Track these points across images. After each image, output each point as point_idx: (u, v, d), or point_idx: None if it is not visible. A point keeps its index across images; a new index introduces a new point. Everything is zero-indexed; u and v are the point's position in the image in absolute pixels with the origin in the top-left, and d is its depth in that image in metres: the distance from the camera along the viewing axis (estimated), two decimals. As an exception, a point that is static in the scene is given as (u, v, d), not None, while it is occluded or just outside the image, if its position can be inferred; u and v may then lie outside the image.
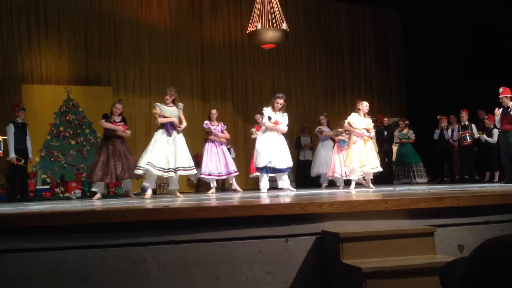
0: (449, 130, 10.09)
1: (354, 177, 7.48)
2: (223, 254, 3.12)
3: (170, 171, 6.25)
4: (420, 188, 6.30)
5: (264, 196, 5.94)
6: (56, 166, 9.31)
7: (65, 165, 9.29)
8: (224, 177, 8.41)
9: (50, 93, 9.83)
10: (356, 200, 3.55)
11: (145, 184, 6.47)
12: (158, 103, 6.58)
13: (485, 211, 3.56)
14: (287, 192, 6.55)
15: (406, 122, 10.87)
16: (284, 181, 6.97)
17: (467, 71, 10.51)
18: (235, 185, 8.26)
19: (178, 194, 6.63)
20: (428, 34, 11.82)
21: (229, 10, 12.13)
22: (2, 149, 5.59)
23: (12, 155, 7.58)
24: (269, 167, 6.80)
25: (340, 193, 5.99)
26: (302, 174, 10.52)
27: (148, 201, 5.38)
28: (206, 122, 8.26)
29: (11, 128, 7.72)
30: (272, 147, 6.79)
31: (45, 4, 10.28)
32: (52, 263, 2.87)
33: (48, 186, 8.91)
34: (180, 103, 6.66)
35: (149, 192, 6.39)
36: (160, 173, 6.21)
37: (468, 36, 10.54)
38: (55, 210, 3.59)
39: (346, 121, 7.56)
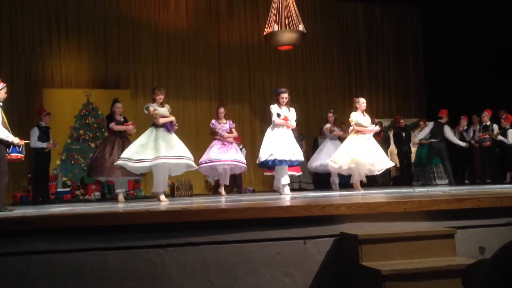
0: (470, 131, 9.93)
1: (357, 178, 7.19)
2: (241, 256, 3.13)
3: (156, 159, 5.79)
4: (440, 190, 6.22)
5: (284, 196, 5.92)
6: (76, 169, 9.45)
7: (85, 168, 9.42)
8: (227, 163, 7.87)
9: (70, 97, 9.99)
10: (375, 201, 3.53)
11: (159, 190, 6.06)
12: (151, 104, 6.21)
13: (507, 212, 3.51)
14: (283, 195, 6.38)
15: (426, 122, 10.72)
16: (280, 179, 6.66)
17: (490, 70, 10.32)
18: (222, 189, 7.94)
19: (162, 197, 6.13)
20: (448, 32, 11.60)
21: (246, 12, 12.16)
22: (23, 153, 5.61)
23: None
24: (271, 160, 6.46)
25: (358, 194, 5.95)
26: (321, 175, 10.43)
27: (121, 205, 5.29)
28: (213, 121, 8.06)
29: (35, 132, 7.87)
30: (276, 141, 6.54)
31: (65, 9, 10.44)
32: (73, 264, 2.92)
33: (68, 189, 9.05)
34: (166, 104, 6.37)
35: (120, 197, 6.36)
36: (139, 164, 5.81)
37: (490, 33, 10.32)
38: (76, 212, 3.64)
39: (352, 122, 7.26)
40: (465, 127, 10.04)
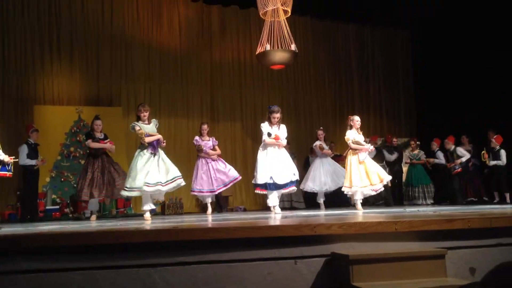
0: (440, 153, 10.20)
1: (359, 197, 7.04)
2: (232, 275, 3.10)
3: (164, 184, 5.92)
4: (431, 210, 6.24)
5: (274, 216, 5.90)
6: (66, 186, 9.38)
7: (75, 185, 9.33)
8: (216, 192, 7.95)
9: (61, 114, 9.95)
10: (366, 221, 3.53)
11: (145, 208, 6.03)
12: (137, 123, 6.18)
13: (497, 233, 3.52)
14: (274, 214, 6.33)
15: (417, 142, 10.81)
16: (273, 199, 6.60)
17: (477, 91, 10.50)
18: (209, 210, 7.93)
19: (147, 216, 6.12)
20: (437, 55, 11.86)
21: (239, 31, 12.27)
22: (12, 171, 5.58)
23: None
24: (270, 183, 6.44)
25: (349, 214, 5.94)
26: (312, 194, 10.43)
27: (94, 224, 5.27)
28: (196, 138, 8.03)
29: (24, 149, 7.81)
30: (273, 162, 6.51)
31: (58, 27, 10.47)
32: (62, 283, 2.88)
33: (58, 206, 8.95)
34: (153, 119, 6.37)
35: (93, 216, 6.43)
36: (157, 188, 5.86)
37: (477, 56, 10.54)
38: (65, 231, 3.60)
39: (349, 141, 7.08)
40: (436, 150, 10.17)
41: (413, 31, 13.24)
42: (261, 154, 6.66)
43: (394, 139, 10.99)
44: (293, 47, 9.17)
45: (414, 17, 11.69)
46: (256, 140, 12.01)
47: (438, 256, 3.18)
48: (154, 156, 6.01)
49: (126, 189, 5.98)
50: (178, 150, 10.51)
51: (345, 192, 7.25)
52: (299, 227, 3.29)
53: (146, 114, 6.21)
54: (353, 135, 7.10)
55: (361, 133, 7.29)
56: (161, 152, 6.15)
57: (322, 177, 8.72)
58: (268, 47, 9.12)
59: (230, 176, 7.90)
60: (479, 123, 9.98)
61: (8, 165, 5.45)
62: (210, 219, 5.96)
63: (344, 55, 13.30)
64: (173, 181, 5.99)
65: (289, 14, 9.36)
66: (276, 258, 3.18)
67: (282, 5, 9.04)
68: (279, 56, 9.14)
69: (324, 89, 12.99)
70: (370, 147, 7.24)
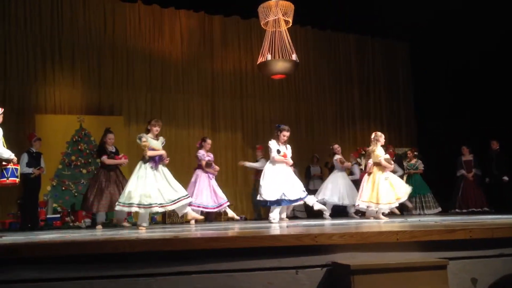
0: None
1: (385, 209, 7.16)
2: (232, 285, 3.08)
3: (165, 205, 5.92)
4: (432, 220, 6.21)
5: (274, 226, 5.89)
6: (67, 195, 9.37)
7: (75, 194, 9.34)
8: (215, 210, 7.96)
9: (63, 123, 9.97)
10: (367, 231, 3.51)
11: (142, 224, 5.98)
12: (144, 135, 6.15)
13: (499, 243, 3.51)
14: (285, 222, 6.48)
15: (415, 152, 10.79)
16: (274, 213, 6.78)
17: (477, 101, 10.53)
18: (231, 213, 7.91)
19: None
20: (436, 65, 11.91)
21: (240, 41, 12.33)
22: (18, 177, 5.56)
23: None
24: (284, 200, 6.65)
25: (350, 224, 5.92)
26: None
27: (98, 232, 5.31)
28: (203, 152, 7.95)
29: (24, 158, 7.82)
30: (283, 179, 6.70)
31: (60, 36, 10.52)
32: (60, 293, 2.86)
33: (58, 215, 8.94)
34: (161, 137, 6.35)
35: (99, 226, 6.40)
36: (156, 209, 5.87)
37: (477, 65, 10.58)
38: (65, 240, 3.59)
39: (380, 157, 7.12)
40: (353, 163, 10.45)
41: (413, 42, 13.31)
42: (270, 170, 6.77)
43: (391, 150, 10.93)
44: (294, 57, 9.21)
45: (413, 27, 11.75)
46: (256, 149, 12.03)
47: (440, 266, 3.16)
48: (154, 171, 5.95)
49: (120, 204, 5.91)
50: (179, 160, 10.50)
51: (362, 207, 7.27)
52: (300, 236, 3.27)
53: (158, 129, 6.22)
54: (383, 152, 7.21)
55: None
56: (165, 170, 6.09)
57: (341, 190, 8.95)
58: (269, 57, 9.16)
59: (220, 201, 7.87)
60: (480, 132, 9.98)
61: (16, 170, 5.43)
62: (213, 228, 5.93)
63: (345, 65, 13.34)
64: (178, 201, 5.95)
65: (290, 24, 9.42)
66: (277, 268, 3.17)
67: (283, 15, 9.10)
68: (280, 66, 9.18)
69: (324, 99, 13.02)
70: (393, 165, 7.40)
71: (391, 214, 7.76)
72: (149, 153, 5.97)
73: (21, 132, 9.54)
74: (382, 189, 6.99)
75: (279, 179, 6.68)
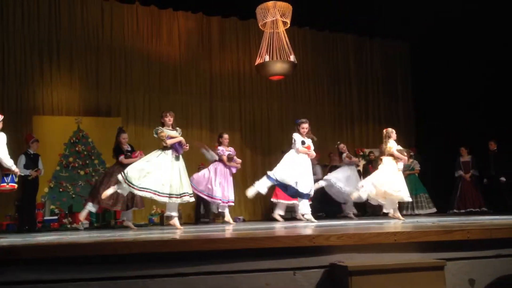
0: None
1: (395, 206, 7.07)
2: (230, 286, 3.08)
3: (173, 197, 5.82)
4: (430, 221, 6.22)
5: (276, 225, 5.89)
6: (64, 197, 9.35)
7: (73, 196, 9.32)
8: (230, 204, 7.89)
9: (60, 124, 9.95)
10: (365, 232, 3.52)
11: (173, 214, 6.03)
12: (160, 127, 6.14)
13: (496, 244, 3.51)
14: (307, 223, 6.50)
15: (411, 153, 10.79)
16: (304, 207, 6.86)
17: (476, 101, 10.54)
18: (228, 217, 7.85)
19: (177, 224, 6.13)
20: (435, 65, 11.92)
21: (238, 42, 12.33)
22: (17, 183, 5.64)
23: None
24: (293, 188, 6.68)
25: (348, 225, 5.92)
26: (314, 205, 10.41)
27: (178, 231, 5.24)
28: (222, 148, 7.91)
29: (21, 159, 7.81)
30: (301, 170, 6.76)
31: (58, 37, 10.51)
32: (58, 295, 2.86)
33: (56, 217, 8.92)
34: (177, 127, 6.31)
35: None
36: (165, 199, 5.78)
37: (476, 65, 10.59)
38: (63, 242, 3.59)
39: (393, 148, 7.06)
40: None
41: (412, 42, 13.31)
42: (292, 156, 6.86)
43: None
44: (292, 58, 9.22)
45: (412, 27, 11.76)
46: (255, 151, 12.05)
47: (437, 267, 3.16)
48: (176, 160, 5.93)
49: (130, 184, 5.74)
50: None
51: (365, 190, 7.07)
52: (298, 238, 3.28)
53: (171, 118, 6.17)
54: (395, 144, 7.16)
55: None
56: (181, 163, 6.05)
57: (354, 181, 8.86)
58: (267, 58, 9.17)
59: (230, 197, 7.85)
60: (478, 133, 10.00)
61: (16, 176, 5.51)
62: (212, 229, 5.93)
63: (343, 66, 13.35)
64: (181, 196, 5.90)
65: (288, 25, 9.42)
66: (275, 269, 3.17)
67: (281, 16, 9.11)
68: (278, 67, 9.19)
69: (323, 100, 13.03)
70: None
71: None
72: (169, 141, 5.93)
73: (18, 133, 9.51)
74: (393, 176, 6.89)
75: (296, 168, 6.74)
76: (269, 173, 6.88)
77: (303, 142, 6.85)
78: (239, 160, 8.06)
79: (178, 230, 5.56)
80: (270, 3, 9.09)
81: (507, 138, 9.48)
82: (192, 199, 6.19)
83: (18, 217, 8.34)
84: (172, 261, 3.04)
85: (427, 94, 12.36)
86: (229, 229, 5.93)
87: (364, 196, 7.07)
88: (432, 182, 10.49)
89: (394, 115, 13.59)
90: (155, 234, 4.83)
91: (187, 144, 6.17)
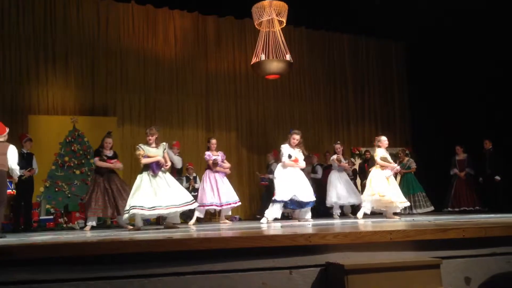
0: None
1: (368, 207, 7.35)
2: (227, 286, 3.08)
3: (159, 209, 5.95)
4: (426, 219, 6.24)
5: (266, 226, 5.89)
6: (60, 196, 9.30)
7: (69, 195, 9.27)
8: (223, 207, 7.89)
9: (56, 124, 9.91)
10: (361, 231, 3.52)
11: (137, 224, 6.16)
12: (141, 145, 6.29)
13: (492, 242, 3.53)
14: (307, 223, 6.55)
15: (407, 152, 10.82)
16: (307, 214, 7.00)
17: (472, 101, 10.58)
18: (223, 218, 7.92)
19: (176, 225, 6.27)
20: (431, 64, 11.95)
21: (234, 42, 12.32)
22: (13, 188, 6.09)
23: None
24: (294, 201, 6.76)
25: (344, 224, 5.94)
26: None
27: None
28: (208, 153, 7.96)
29: None
30: (294, 181, 6.79)
31: (53, 37, 10.48)
32: (54, 295, 2.85)
33: (51, 217, 8.89)
34: (163, 143, 6.41)
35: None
36: (149, 213, 5.93)
37: (472, 65, 10.62)
38: (58, 241, 3.58)
39: (377, 157, 7.42)
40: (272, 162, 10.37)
41: (408, 41, 13.34)
42: (280, 172, 6.89)
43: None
44: (288, 57, 9.22)
45: (408, 27, 11.78)
46: (251, 150, 12.05)
47: (433, 265, 3.17)
48: (153, 179, 6.04)
49: (125, 211, 6.03)
50: (173, 160, 10.48)
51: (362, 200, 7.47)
52: (294, 237, 3.28)
53: (152, 138, 6.29)
54: (382, 153, 7.43)
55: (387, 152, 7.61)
56: (168, 178, 6.19)
57: (338, 190, 8.84)
58: (263, 57, 9.16)
59: (234, 198, 7.89)
60: (473, 132, 10.04)
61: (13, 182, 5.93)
62: (208, 228, 5.93)
63: (339, 65, 13.36)
64: (184, 206, 6.10)
65: (284, 24, 9.42)
66: (271, 268, 3.17)
67: (277, 15, 9.11)
68: (274, 66, 9.19)
69: (319, 99, 13.04)
70: (397, 166, 7.58)
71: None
72: (143, 160, 6.10)
73: (14, 133, 9.45)
74: (375, 182, 7.23)
75: (289, 181, 6.78)
76: (274, 198, 6.89)
77: (289, 156, 6.82)
78: (227, 165, 8.01)
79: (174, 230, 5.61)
80: (266, 2, 9.09)
81: (502, 137, 9.52)
82: (195, 205, 6.36)
83: (13, 217, 8.31)
84: (168, 260, 3.03)
85: (422, 93, 12.39)
86: (228, 227, 5.95)
87: (369, 211, 7.39)
88: (429, 181, 10.51)
89: (391, 114, 13.62)
90: (151, 233, 4.82)
91: (167, 164, 6.28)
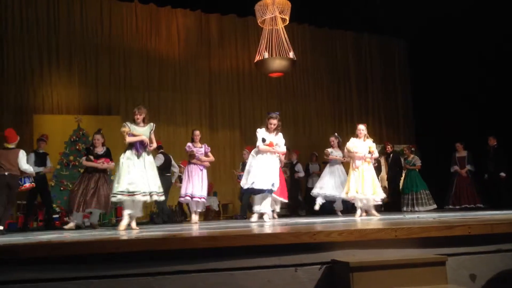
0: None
1: (359, 204, 7.13)
2: (232, 283, 3.09)
3: (145, 194, 5.67)
4: (430, 216, 6.22)
5: (267, 222, 5.87)
6: (65, 195, 9.32)
7: (72, 194, 9.32)
8: (204, 199, 7.74)
9: (60, 123, 9.96)
10: (366, 228, 3.52)
11: (127, 212, 5.77)
12: (128, 122, 5.97)
13: (497, 239, 3.51)
14: (265, 221, 6.31)
15: (412, 149, 10.77)
16: (262, 205, 6.53)
17: (475, 97, 10.54)
18: (195, 219, 7.72)
19: (134, 225, 5.86)
20: (434, 62, 11.92)
21: (237, 40, 12.31)
22: (32, 181, 6.35)
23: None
24: (249, 188, 6.43)
25: (349, 221, 5.93)
26: (311, 201, 10.38)
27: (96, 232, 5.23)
28: (189, 144, 7.83)
29: (31, 157, 7.84)
30: (259, 168, 6.42)
31: (57, 36, 10.52)
32: (60, 293, 2.86)
33: (57, 215, 8.93)
34: (151, 123, 6.15)
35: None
36: (138, 197, 5.61)
37: (475, 63, 10.60)
38: (64, 240, 3.59)
39: (345, 148, 7.32)
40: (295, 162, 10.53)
41: (411, 39, 13.31)
42: (251, 159, 6.63)
43: (388, 146, 10.86)
44: (291, 54, 9.20)
45: (411, 24, 11.75)
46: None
47: (439, 263, 3.16)
48: (138, 158, 5.76)
49: (112, 195, 5.75)
50: (178, 157, 10.48)
51: (343, 198, 7.40)
52: (299, 234, 3.27)
53: (139, 116, 5.98)
54: (350, 143, 7.23)
55: (369, 139, 7.37)
56: (147, 161, 5.87)
57: (324, 180, 8.70)
58: (266, 55, 9.15)
59: (199, 193, 7.68)
60: (475, 129, 10.00)
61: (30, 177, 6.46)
62: (212, 226, 5.93)
63: (342, 63, 13.34)
64: (150, 195, 5.76)
65: (287, 22, 9.40)
66: (276, 266, 3.17)
67: (280, 13, 9.09)
68: (278, 63, 9.17)
69: (322, 96, 13.02)
70: (367, 155, 7.19)
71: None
72: (128, 139, 5.78)
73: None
74: (350, 179, 7.21)
75: (255, 169, 6.44)
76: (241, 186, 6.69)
77: (263, 140, 6.49)
78: (204, 158, 7.78)
79: (134, 231, 5.35)
80: (269, 0, 9.07)
81: (505, 134, 9.48)
82: (162, 198, 5.99)
83: (19, 215, 8.37)
84: (174, 258, 3.04)
85: (426, 89, 12.35)
86: (227, 226, 5.93)
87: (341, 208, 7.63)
88: (432, 178, 10.48)
89: (394, 111, 13.60)
90: (156, 232, 4.83)
91: (152, 145, 6.00)
